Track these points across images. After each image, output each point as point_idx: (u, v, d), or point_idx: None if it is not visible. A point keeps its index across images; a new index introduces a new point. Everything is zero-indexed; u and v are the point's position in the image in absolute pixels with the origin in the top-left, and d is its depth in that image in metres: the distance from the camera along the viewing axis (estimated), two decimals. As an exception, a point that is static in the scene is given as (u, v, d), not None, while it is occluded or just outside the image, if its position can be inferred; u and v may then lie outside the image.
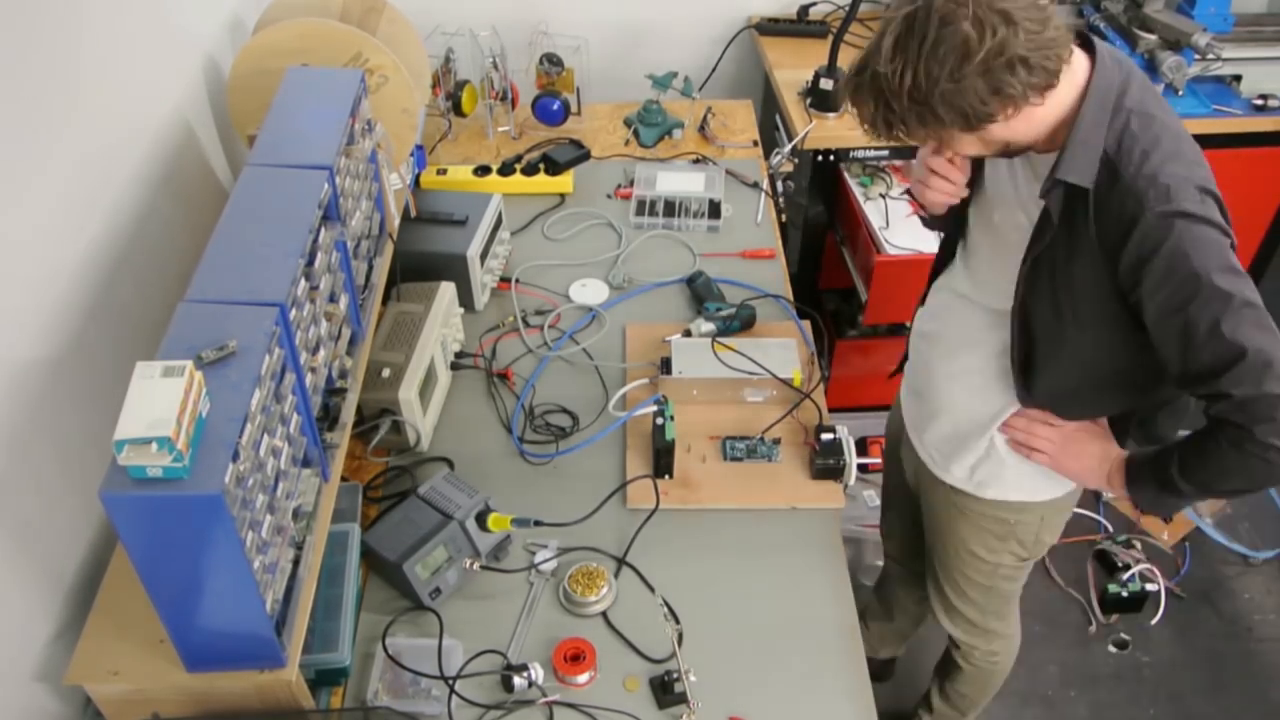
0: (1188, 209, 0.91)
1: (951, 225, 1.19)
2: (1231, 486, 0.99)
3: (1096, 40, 0.99)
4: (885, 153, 1.95)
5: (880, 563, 1.78)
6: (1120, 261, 0.95)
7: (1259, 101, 1.94)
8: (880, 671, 1.77)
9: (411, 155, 1.53)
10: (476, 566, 1.18)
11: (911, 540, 1.50)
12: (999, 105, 0.90)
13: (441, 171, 1.76)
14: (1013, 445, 1.17)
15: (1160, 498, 1.05)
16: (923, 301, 1.28)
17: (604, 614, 1.17)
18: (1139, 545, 2.03)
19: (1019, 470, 1.19)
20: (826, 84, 1.89)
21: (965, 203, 1.12)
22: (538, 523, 1.19)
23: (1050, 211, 0.98)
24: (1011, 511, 1.24)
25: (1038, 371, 1.09)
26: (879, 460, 1.70)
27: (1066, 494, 1.22)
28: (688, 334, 1.45)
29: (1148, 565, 1.97)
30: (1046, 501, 1.23)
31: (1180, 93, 1.89)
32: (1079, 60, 0.96)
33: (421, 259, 1.46)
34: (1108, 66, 0.96)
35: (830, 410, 1.41)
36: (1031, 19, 0.88)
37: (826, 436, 1.30)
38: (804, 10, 2.16)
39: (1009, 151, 1.00)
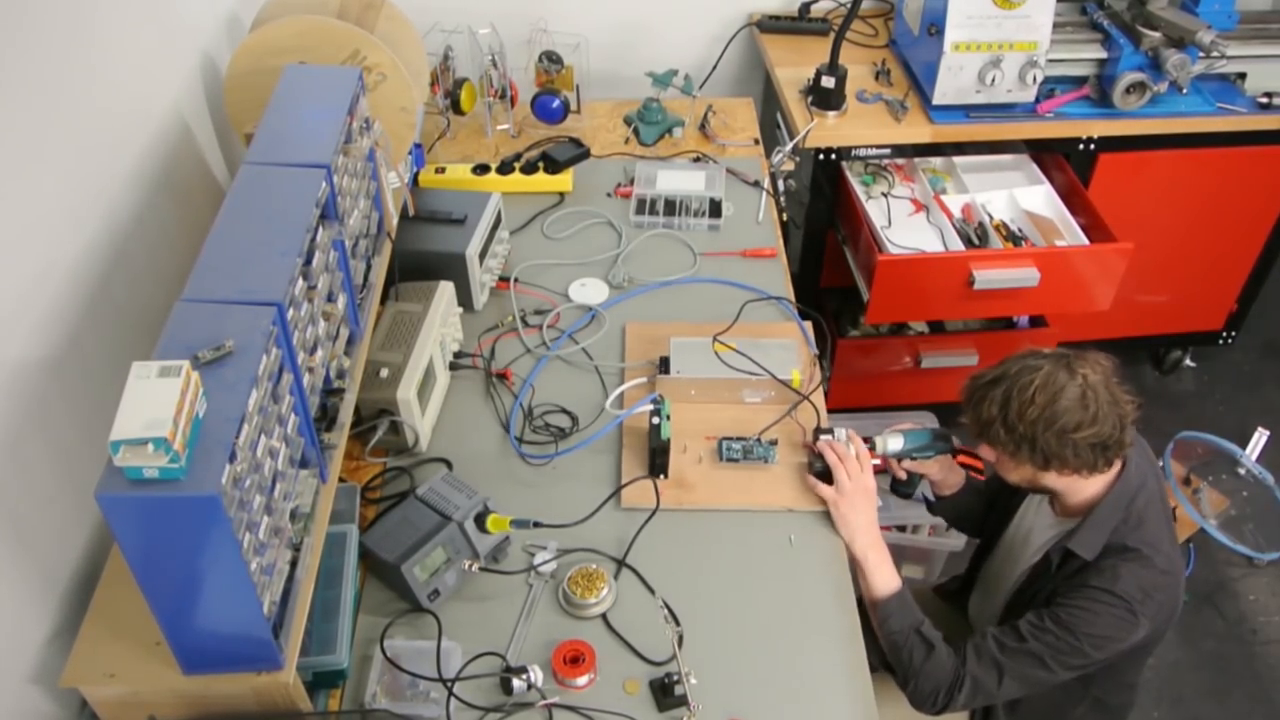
0: (1122, 592, 1.14)
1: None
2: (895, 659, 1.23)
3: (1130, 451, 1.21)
4: (887, 151, 1.94)
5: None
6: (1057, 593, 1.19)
7: (1264, 99, 1.93)
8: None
9: (410, 154, 1.52)
10: (475, 568, 1.17)
11: None
12: (1073, 465, 1.14)
13: (440, 170, 1.75)
14: (808, 448, 1.32)
15: (886, 626, 1.23)
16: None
17: (603, 616, 1.17)
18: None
19: None
20: (828, 82, 1.88)
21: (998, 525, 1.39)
22: (537, 524, 1.18)
23: (1051, 562, 1.22)
24: None
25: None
26: (878, 461, 1.69)
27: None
28: (870, 446, 1.35)
29: (1150, 566, 1.96)
30: None
31: (1184, 90, 1.88)
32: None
33: (420, 258, 1.45)
34: (1131, 474, 1.19)
35: (830, 411, 1.41)
36: (1131, 415, 1.14)
37: (825, 437, 1.29)
38: (805, 8, 2.15)
39: (1036, 489, 1.24)
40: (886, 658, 1.23)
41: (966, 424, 1.19)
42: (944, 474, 1.41)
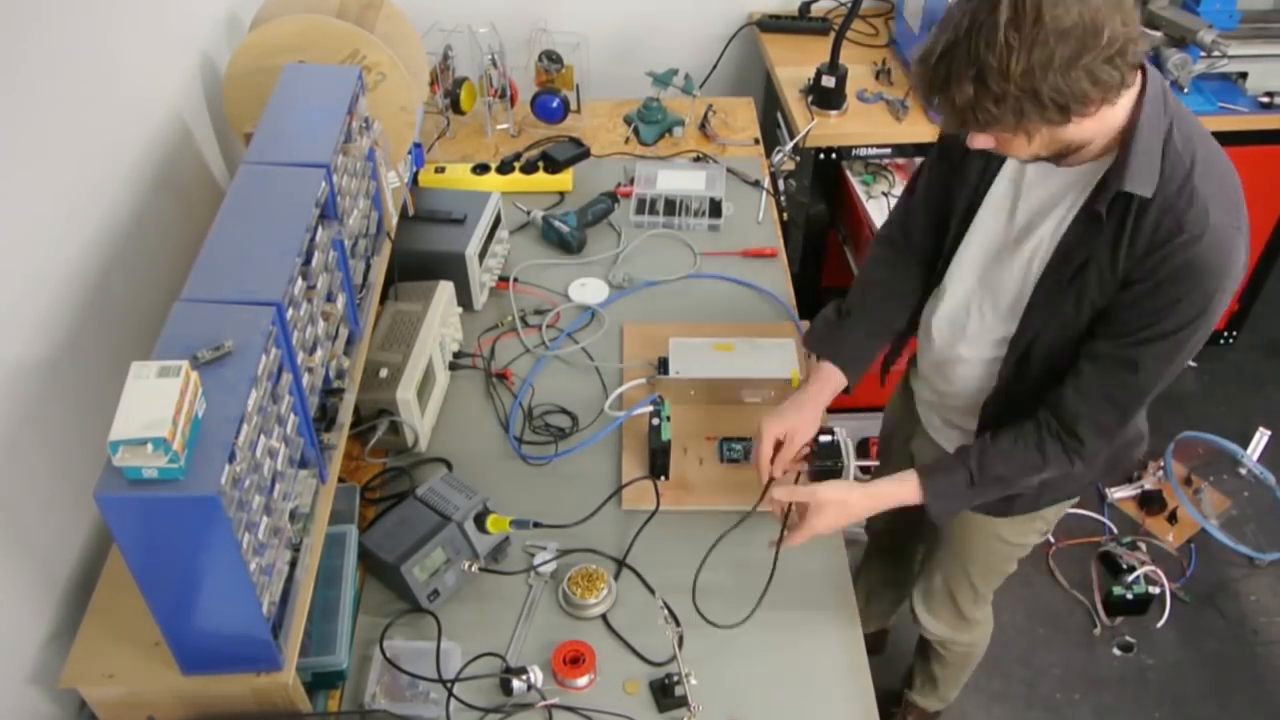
0: (1223, 228, 0.90)
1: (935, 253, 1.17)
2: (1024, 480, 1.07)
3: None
4: (888, 150, 1.94)
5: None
6: (1134, 262, 0.94)
7: (1265, 99, 1.93)
8: (871, 645, 1.76)
9: (409, 153, 1.52)
10: (475, 568, 1.17)
11: (899, 531, 1.51)
12: (1097, 96, 0.86)
13: (440, 169, 1.75)
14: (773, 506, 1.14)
15: (954, 510, 1.09)
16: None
17: (604, 616, 1.16)
18: (1144, 547, 2.02)
19: None
20: (828, 81, 1.88)
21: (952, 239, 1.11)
22: (537, 524, 1.18)
23: (1103, 223, 0.95)
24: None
25: (1031, 360, 1.08)
26: (878, 462, 1.69)
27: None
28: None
29: (1152, 567, 1.96)
30: None
31: (1186, 90, 1.88)
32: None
33: (419, 258, 1.45)
34: (1157, 80, 0.93)
35: (830, 411, 1.40)
36: (1125, 6, 0.84)
37: (824, 438, 1.29)
38: (805, 7, 2.15)
39: (1064, 154, 0.95)
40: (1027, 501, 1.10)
41: (942, 117, 0.91)
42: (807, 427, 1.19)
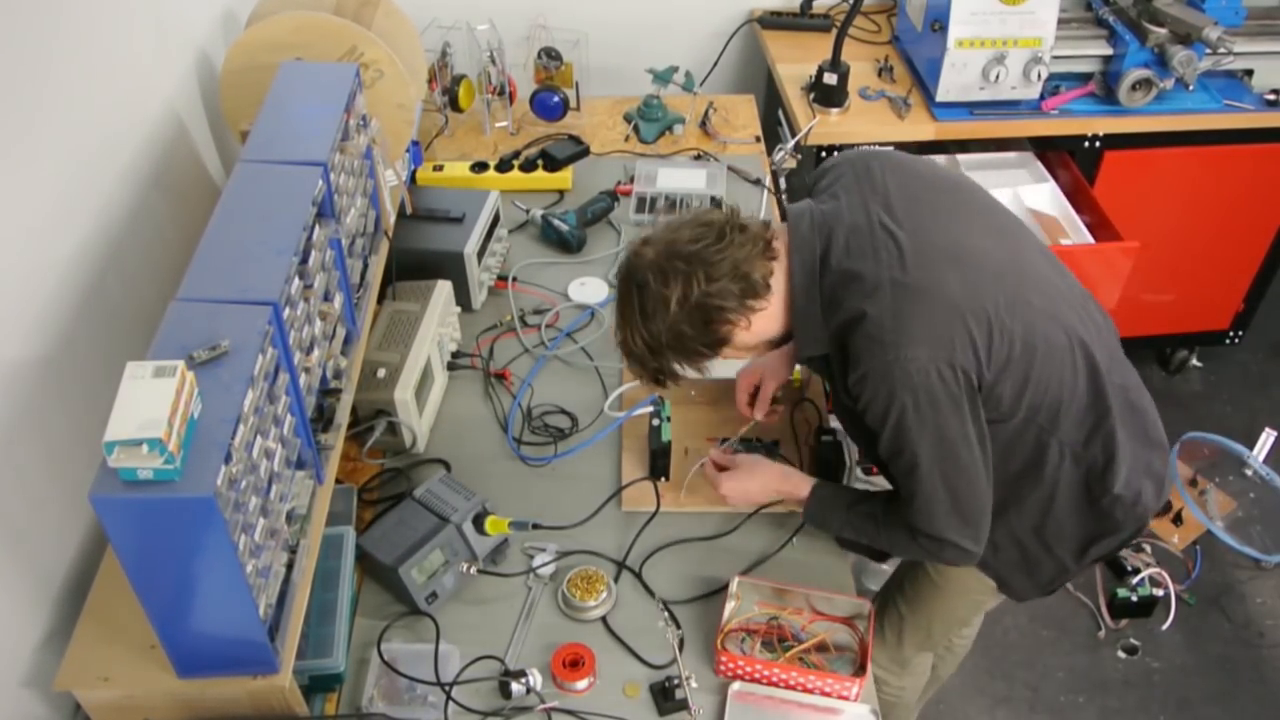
0: (868, 352, 0.97)
1: None
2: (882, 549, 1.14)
3: (794, 209, 1.06)
4: (890, 149, 1.93)
5: (886, 567, 1.76)
6: (859, 414, 1.02)
7: (1271, 96, 1.92)
8: None
9: (407, 151, 1.51)
10: (474, 570, 1.16)
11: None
12: (723, 328, 1.02)
13: (438, 168, 1.74)
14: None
15: (832, 517, 1.15)
16: None
17: (603, 619, 1.16)
18: (1148, 549, 2.01)
19: None
20: (830, 79, 1.87)
21: None
22: (536, 525, 1.17)
23: (822, 378, 1.08)
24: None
25: None
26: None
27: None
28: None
29: (1157, 569, 1.95)
30: None
31: (1191, 87, 1.86)
32: (785, 240, 1.04)
33: (417, 257, 1.44)
34: (803, 237, 1.03)
35: (832, 411, 1.39)
36: (712, 251, 0.99)
37: (826, 439, 1.28)
38: (807, 4, 2.14)
39: (777, 344, 1.08)
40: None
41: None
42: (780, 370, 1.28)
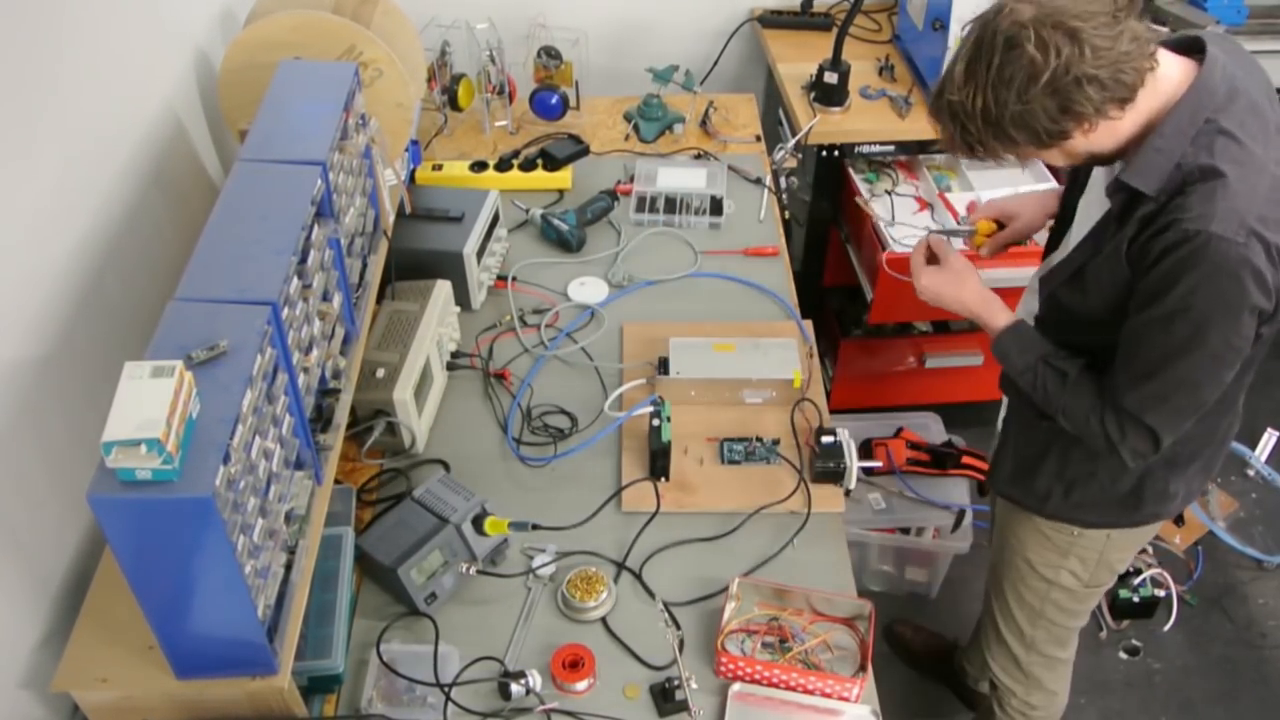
0: (1222, 233, 0.89)
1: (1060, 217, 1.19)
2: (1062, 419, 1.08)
3: (1215, 48, 0.96)
4: (891, 147, 1.92)
5: (886, 568, 1.76)
6: (1142, 266, 0.95)
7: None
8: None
9: (406, 150, 1.51)
10: (473, 571, 1.16)
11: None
12: (1072, 123, 0.92)
13: (437, 167, 1.73)
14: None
15: (1022, 356, 1.09)
16: None
17: (603, 620, 1.15)
18: (1150, 549, 2.00)
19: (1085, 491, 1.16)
20: (831, 78, 1.86)
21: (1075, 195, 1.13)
22: (535, 526, 1.17)
23: (1112, 212, 0.98)
24: (1078, 524, 1.20)
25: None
26: (881, 463, 1.68)
27: (1137, 523, 1.19)
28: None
29: (1159, 570, 1.94)
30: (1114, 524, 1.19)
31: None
32: (1175, 68, 0.95)
33: (417, 256, 1.44)
34: (1214, 80, 0.94)
35: (834, 412, 1.39)
36: (1101, 35, 0.88)
37: (827, 439, 1.28)
38: (808, 2, 2.13)
39: (1098, 161, 1.00)
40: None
41: (949, 149, 0.99)
42: (1029, 216, 1.23)
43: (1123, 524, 1.19)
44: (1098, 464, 1.13)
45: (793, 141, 1.84)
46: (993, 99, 0.91)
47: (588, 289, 1.57)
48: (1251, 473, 2.15)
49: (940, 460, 1.75)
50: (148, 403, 0.75)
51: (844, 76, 1.87)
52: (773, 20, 2.12)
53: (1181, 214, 0.91)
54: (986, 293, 1.15)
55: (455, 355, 1.46)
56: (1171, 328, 0.94)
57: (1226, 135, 0.92)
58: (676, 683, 1.06)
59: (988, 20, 0.92)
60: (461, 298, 1.49)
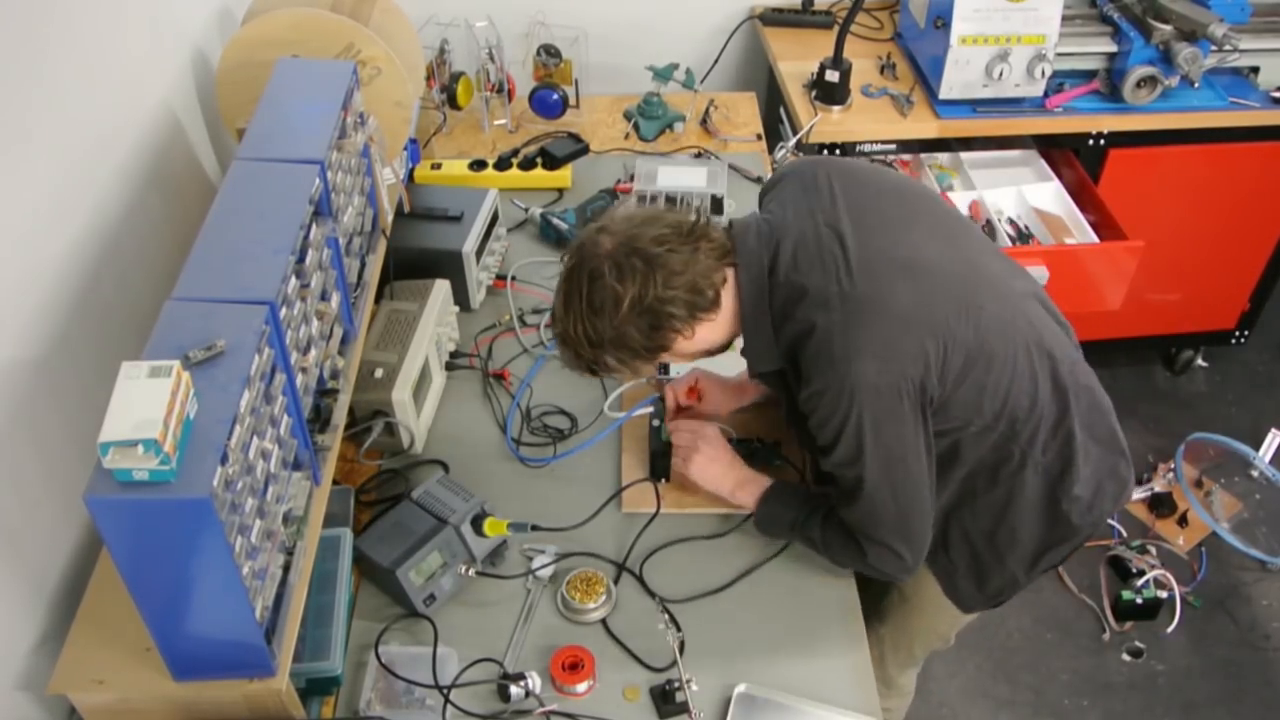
0: (856, 373, 0.95)
1: None
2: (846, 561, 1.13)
3: (740, 223, 1.04)
4: (892, 146, 1.92)
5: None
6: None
7: (1277, 94, 1.90)
8: None
9: (405, 149, 1.50)
10: (472, 572, 1.15)
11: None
12: (668, 335, 1.01)
13: (436, 166, 1.73)
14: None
15: (778, 530, 1.16)
16: None
17: (603, 621, 1.15)
18: (1153, 551, 2.00)
19: None
20: (832, 76, 1.86)
21: None
22: (535, 527, 1.17)
23: (777, 390, 1.09)
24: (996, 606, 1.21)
25: None
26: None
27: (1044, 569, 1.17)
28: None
29: (1162, 571, 1.94)
30: None
31: (1196, 85, 1.85)
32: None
33: (415, 256, 1.43)
34: (750, 251, 1.02)
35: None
36: (677, 257, 0.98)
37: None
38: (808, 0, 2.12)
39: (717, 351, 1.09)
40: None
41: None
42: (724, 399, 1.28)
43: (1024, 584, 1.18)
44: (998, 541, 1.11)
45: (794, 140, 1.83)
46: (590, 327, 1.00)
47: (588, 288, 1.57)
48: (1255, 474, 2.14)
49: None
50: (145, 403, 0.75)
51: (845, 75, 1.87)
52: (774, 18, 2.12)
53: (810, 375, 0.97)
54: (738, 466, 1.19)
55: (454, 355, 1.46)
56: (851, 468, 1.00)
57: (789, 285, 0.99)
58: (677, 685, 1.06)
59: (575, 253, 1.02)
60: (460, 297, 1.49)
